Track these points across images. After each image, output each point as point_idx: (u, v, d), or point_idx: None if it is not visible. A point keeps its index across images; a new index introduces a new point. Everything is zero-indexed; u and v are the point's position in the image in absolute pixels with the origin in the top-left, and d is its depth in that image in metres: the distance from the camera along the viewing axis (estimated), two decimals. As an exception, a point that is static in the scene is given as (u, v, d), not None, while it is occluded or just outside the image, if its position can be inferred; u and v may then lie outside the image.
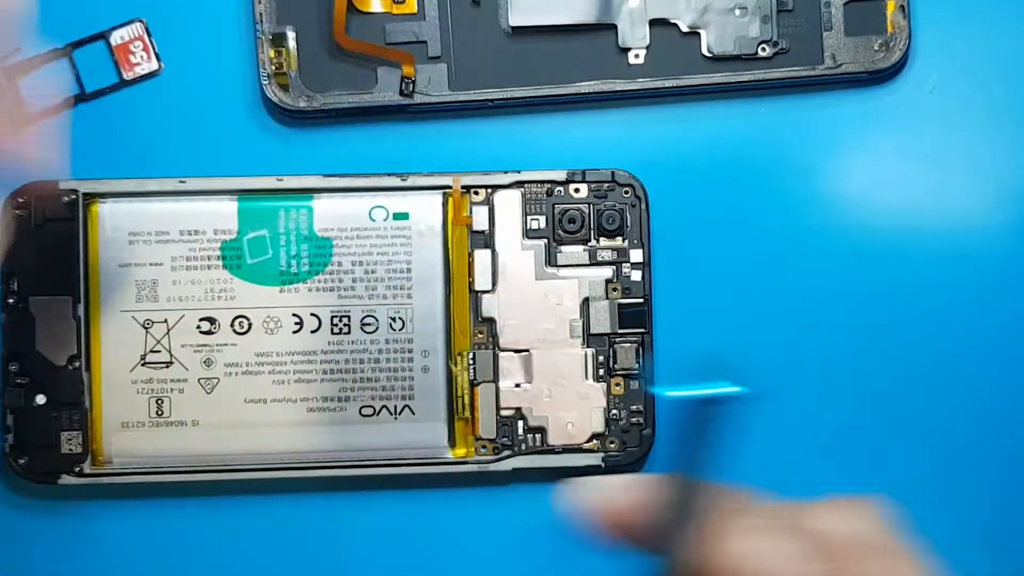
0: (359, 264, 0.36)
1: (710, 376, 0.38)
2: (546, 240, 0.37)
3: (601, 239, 0.37)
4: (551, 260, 0.37)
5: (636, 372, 0.37)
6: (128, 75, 0.38)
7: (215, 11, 0.38)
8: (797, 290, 0.38)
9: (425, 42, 0.37)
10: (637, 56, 0.38)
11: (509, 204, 0.37)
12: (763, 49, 0.38)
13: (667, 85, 0.38)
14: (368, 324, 0.36)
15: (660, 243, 0.38)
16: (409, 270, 0.36)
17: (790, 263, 0.38)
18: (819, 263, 0.38)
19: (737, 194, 0.38)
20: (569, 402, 0.37)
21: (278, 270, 0.36)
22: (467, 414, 0.37)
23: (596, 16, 0.37)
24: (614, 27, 0.38)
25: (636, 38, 0.38)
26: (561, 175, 0.37)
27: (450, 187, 0.37)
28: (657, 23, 0.38)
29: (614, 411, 0.37)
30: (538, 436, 0.37)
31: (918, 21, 0.38)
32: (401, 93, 0.37)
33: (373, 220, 0.36)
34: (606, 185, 0.37)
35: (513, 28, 0.37)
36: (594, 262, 0.37)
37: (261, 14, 0.37)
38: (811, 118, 0.38)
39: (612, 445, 0.37)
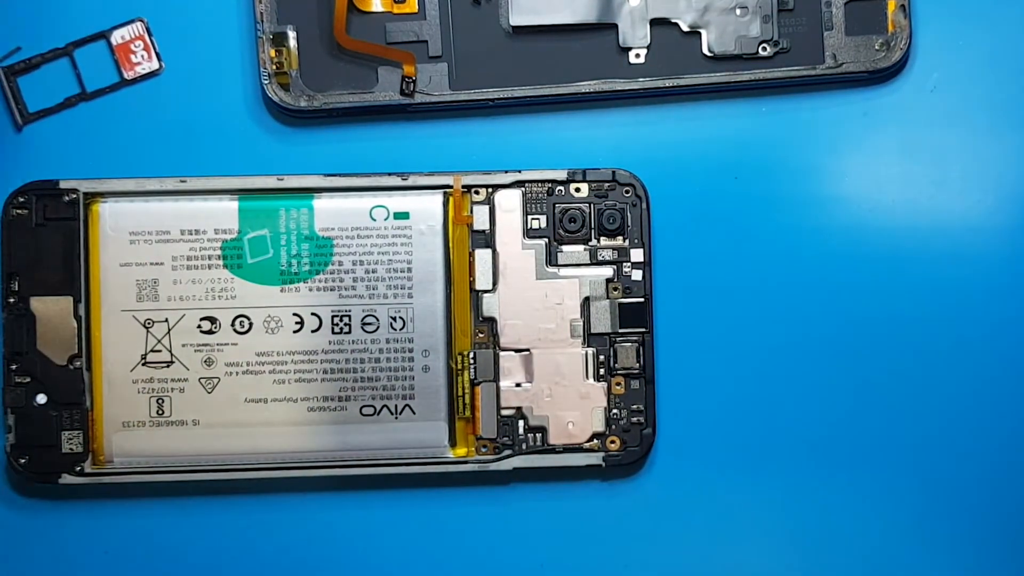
0: (360, 264, 0.36)
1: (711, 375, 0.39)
2: (547, 240, 0.37)
3: (602, 238, 0.37)
4: (552, 259, 0.37)
5: (637, 371, 0.37)
6: (129, 75, 0.38)
7: (215, 11, 0.38)
8: (797, 288, 0.38)
9: (426, 42, 0.37)
10: (638, 56, 0.38)
11: (510, 204, 0.37)
12: (764, 49, 0.38)
13: (668, 85, 0.38)
14: (369, 324, 0.36)
15: (661, 242, 0.38)
16: (410, 270, 0.36)
17: (790, 262, 0.38)
18: (819, 262, 0.38)
19: (738, 193, 0.38)
20: (570, 401, 0.37)
21: (279, 269, 0.36)
22: (468, 414, 0.37)
23: (596, 16, 0.37)
24: (615, 27, 0.38)
25: (637, 38, 0.38)
26: (562, 175, 0.37)
27: (451, 187, 0.37)
28: (658, 23, 0.38)
29: (615, 410, 0.37)
30: (538, 435, 0.37)
31: (919, 21, 0.38)
32: (402, 92, 0.37)
33: (374, 220, 0.36)
34: (607, 184, 0.37)
35: (513, 28, 0.37)
36: (595, 261, 0.37)
37: (262, 14, 0.37)
38: (812, 117, 0.38)
39: (613, 445, 0.37)
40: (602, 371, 0.37)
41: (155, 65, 0.38)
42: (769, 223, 0.38)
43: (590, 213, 0.37)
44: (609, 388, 0.37)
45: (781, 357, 0.38)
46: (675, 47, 0.38)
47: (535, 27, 0.37)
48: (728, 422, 0.38)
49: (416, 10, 0.37)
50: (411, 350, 0.36)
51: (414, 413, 0.36)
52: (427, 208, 0.36)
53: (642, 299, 0.37)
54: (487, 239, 0.37)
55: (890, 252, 0.38)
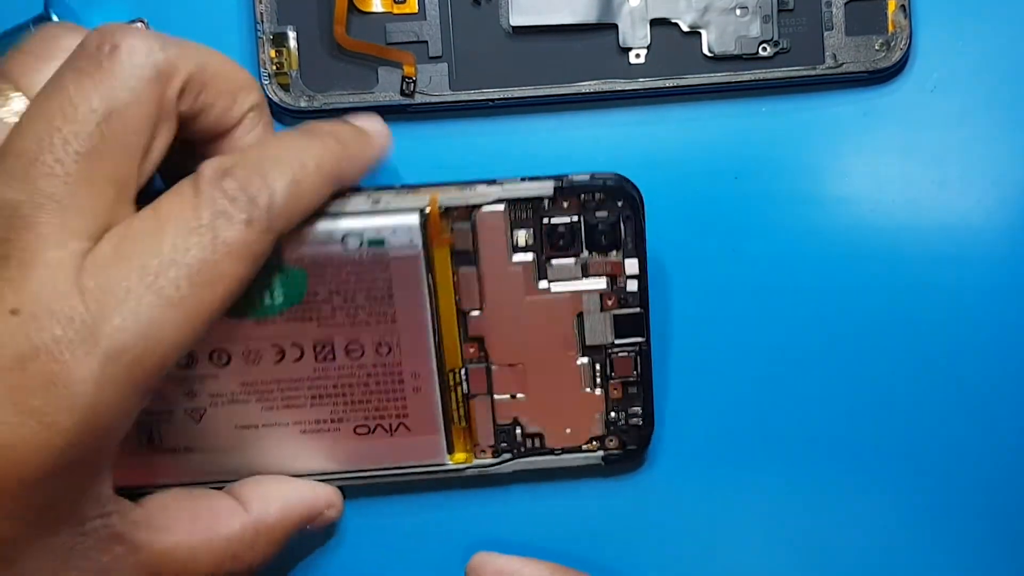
0: (336, 294, 0.34)
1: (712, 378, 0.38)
2: (535, 254, 0.35)
3: (594, 252, 0.35)
4: (541, 273, 0.35)
5: (634, 379, 0.36)
6: (129, 76, 0.38)
7: (215, 11, 0.38)
8: (797, 288, 0.38)
9: (426, 42, 0.37)
10: (638, 56, 0.38)
11: (494, 221, 0.34)
12: (764, 49, 0.38)
13: (667, 85, 0.37)
14: (353, 350, 0.34)
15: (660, 242, 0.38)
16: (391, 296, 0.34)
17: (790, 263, 0.38)
18: (819, 263, 0.38)
19: (737, 194, 0.38)
20: (567, 410, 0.36)
21: (250, 304, 0.33)
22: (464, 424, 0.36)
23: (597, 16, 0.37)
24: (615, 27, 0.38)
25: (637, 38, 0.38)
26: (548, 188, 0.34)
27: (427, 208, 0.34)
28: (658, 23, 0.38)
29: (612, 414, 0.37)
30: (536, 440, 0.36)
31: (919, 20, 0.38)
32: (402, 93, 0.37)
33: (347, 248, 0.33)
34: (597, 197, 0.35)
35: (514, 28, 0.37)
36: (587, 275, 0.35)
37: (262, 14, 0.37)
38: (812, 118, 0.38)
39: (611, 443, 0.37)
40: (599, 380, 0.36)
41: (155, 67, 0.38)
42: (768, 223, 0.38)
43: (580, 228, 0.35)
44: (607, 394, 0.36)
45: (780, 357, 0.38)
46: (675, 47, 0.38)
47: (535, 27, 0.37)
48: (729, 421, 0.38)
49: (416, 10, 0.37)
50: (400, 373, 0.35)
51: (409, 430, 0.35)
52: (403, 233, 0.34)
53: (638, 309, 0.36)
54: (471, 257, 0.35)
55: (891, 252, 0.38)
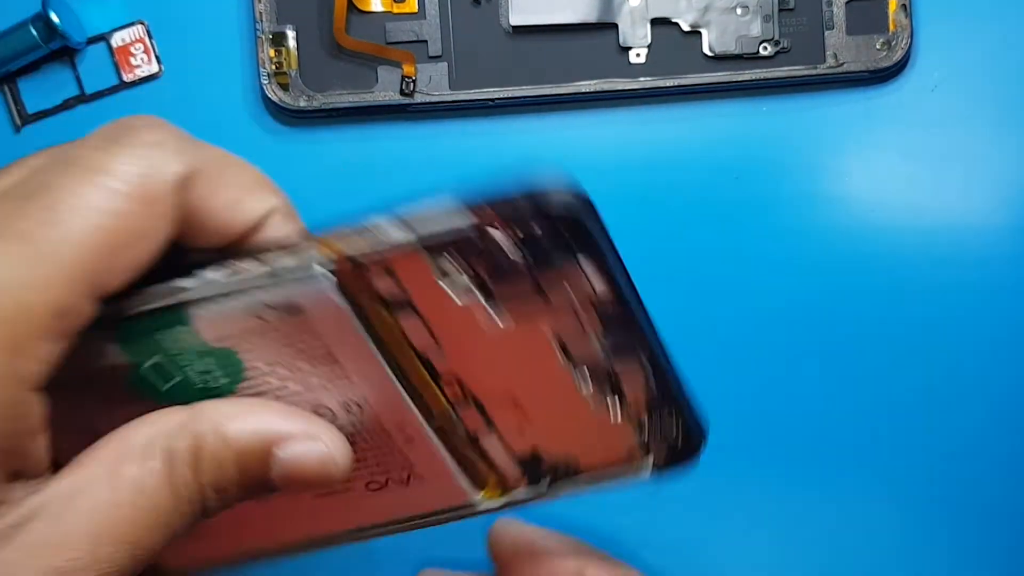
0: (276, 364, 0.28)
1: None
2: (478, 289, 0.26)
3: (550, 271, 0.25)
4: (495, 308, 0.26)
5: (654, 397, 0.28)
6: (128, 77, 0.39)
7: (214, 11, 0.38)
8: (797, 289, 0.38)
9: (425, 41, 0.37)
10: (638, 55, 0.38)
11: (413, 267, 0.25)
12: (764, 48, 0.38)
13: (668, 84, 0.37)
14: (322, 413, 0.28)
15: (659, 242, 0.37)
16: (335, 358, 0.27)
17: (791, 263, 0.38)
18: (819, 263, 0.38)
19: (737, 194, 0.38)
20: (587, 429, 0.29)
21: (196, 387, 0.28)
22: (482, 460, 0.29)
23: (597, 15, 0.37)
24: (615, 26, 0.38)
25: (637, 37, 0.38)
26: (460, 216, 0.24)
27: (333, 264, 0.26)
28: (658, 22, 0.38)
29: (643, 429, 0.28)
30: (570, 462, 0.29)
31: (920, 20, 0.38)
32: (401, 92, 0.37)
33: (266, 320, 0.27)
34: (534, 226, 0.24)
35: (513, 27, 0.37)
36: (550, 302, 0.26)
37: (261, 13, 0.37)
38: (813, 117, 0.38)
39: (658, 450, 0.29)
40: (610, 400, 0.27)
41: (154, 68, 0.38)
42: (768, 223, 0.38)
43: (522, 252, 0.24)
44: (627, 412, 0.28)
45: (781, 356, 0.38)
46: (675, 47, 0.38)
47: (535, 27, 0.37)
48: (729, 419, 0.38)
49: (416, 10, 0.37)
50: (382, 427, 0.29)
51: (422, 477, 0.29)
52: (319, 299, 0.27)
53: (625, 315, 0.26)
54: (407, 303, 0.26)
55: (891, 251, 0.38)
